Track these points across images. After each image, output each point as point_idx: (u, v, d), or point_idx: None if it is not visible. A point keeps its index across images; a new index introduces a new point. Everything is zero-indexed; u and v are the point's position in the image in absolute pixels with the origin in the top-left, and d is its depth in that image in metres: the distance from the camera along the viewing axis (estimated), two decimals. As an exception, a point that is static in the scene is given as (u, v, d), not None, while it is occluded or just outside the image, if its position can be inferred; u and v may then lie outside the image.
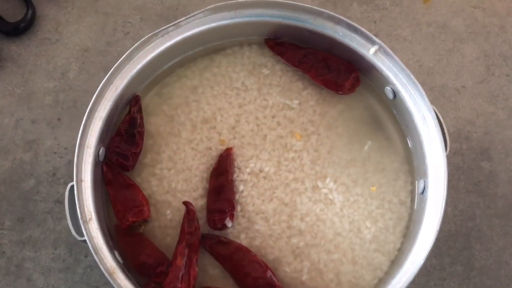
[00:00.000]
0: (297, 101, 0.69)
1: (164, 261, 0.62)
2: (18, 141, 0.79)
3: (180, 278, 0.59)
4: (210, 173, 0.66)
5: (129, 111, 0.67)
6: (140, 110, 0.67)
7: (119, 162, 0.65)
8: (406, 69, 0.63)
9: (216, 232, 0.63)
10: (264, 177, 0.66)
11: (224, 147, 0.67)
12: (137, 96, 0.68)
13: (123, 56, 0.63)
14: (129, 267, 0.62)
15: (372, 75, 0.68)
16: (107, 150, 0.65)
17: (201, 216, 0.64)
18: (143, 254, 0.62)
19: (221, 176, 0.65)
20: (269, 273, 0.61)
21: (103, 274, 0.71)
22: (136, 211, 0.63)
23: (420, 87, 0.63)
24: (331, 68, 0.69)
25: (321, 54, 0.70)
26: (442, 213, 0.59)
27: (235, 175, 0.65)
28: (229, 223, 0.63)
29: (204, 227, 0.64)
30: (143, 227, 0.64)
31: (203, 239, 0.62)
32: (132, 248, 0.63)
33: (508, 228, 0.76)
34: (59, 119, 0.80)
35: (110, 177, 0.65)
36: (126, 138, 0.66)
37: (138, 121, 0.66)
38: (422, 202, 0.63)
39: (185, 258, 0.60)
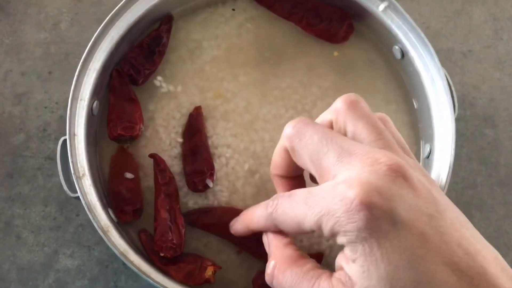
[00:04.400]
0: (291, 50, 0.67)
1: (137, 203, 0.60)
2: (7, 94, 0.75)
3: (168, 229, 0.58)
4: (181, 136, 0.63)
5: (158, 27, 0.65)
6: (169, 31, 0.65)
7: (129, 73, 0.63)
8: (417, 27, 0.61)
9: (196, 195, 0.62)
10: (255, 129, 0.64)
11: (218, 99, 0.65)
12: (171, 16, 0.65)
13: (120, 3, 0.60)
14: (106, 188, 0.61)
15: (380, 33, 0.65)
16: (122, 58, 0.63)
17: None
18: (123, 185, 0.60)
19: (194, 136, 0.62)
20: None
21: (95, 234, 0.70)
22: (128, 126, 0.61)
23: (431, 47, 0.60)
24: (322, 17, 0.66)
25: (311, 2, 0.67)
26: (448, 179, 0.58)
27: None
28: (210, 183, 0.61)
29: (183, 191, 0.62)
30: (128, 144, 0.63)
31: (184, 217, 0.60)
32: (118, 173, 0.61)
33: (509, 197, 0.75)
34: (50, 72, 0.76)
35: (116, 85, 0.62)
36: (145, 53, 0.63)
37: (163, 40, 0.64)
38: (427, 166, 0.61)
39: (168, 209, 0.59)
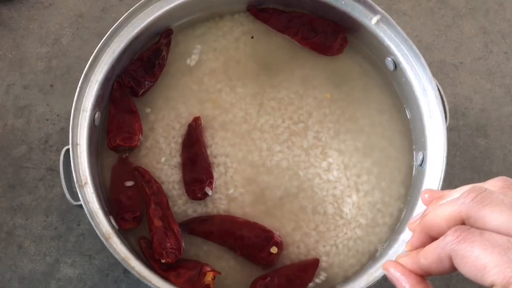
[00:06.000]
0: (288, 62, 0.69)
1: (137, 210, 0.62)
2: (9, 107, 0.77)
3: (165, 236, 0.59)
4: (181, 146, 0.65)
5: (158, 41, 0.67)
6: (168, 44, 0.67)
7: (130, 85, 0.65)
8: (408, 39, 0.63)
9: (196, 203, 0.64)
10: (252, 138, 0.66)
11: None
12: (170, 30, 0.68)
13: (122, 18, 0.62)
14: (106, 196, 0.62)
15: (373, 45, 0.67)
16: (123, 71, 0.65)
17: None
18: (123, 194, 0.62)
19: (194, 146, 0.64)
20: (262, 227, 0.62)
21: (96, 243, 0.71)
22: (127, 137, 0.63)
23: (422, 58, 0.62)
24: (317, 31, 0.69)
25: (306, 17, 0.69)
26: (440, 185, 0.59)
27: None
28: (209, 191, 0.63)
29: (182, 199, 0.64)
30: (127, 154, 0.64)
31: (182, 227, 0.62)
32: (119, 182, 0.63)
33: (502, 205, 0.76)
34: (52, 85, 0.78)
35: (117, 96, 0.65)
36: (145, 65, 0.66)
37: (162, 53, 0.66)
38: (420, 174, 0.63)
39: (161, 216, 0.60)
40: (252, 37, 0.69)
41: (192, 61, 0.68)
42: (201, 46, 0.69)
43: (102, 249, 0.71)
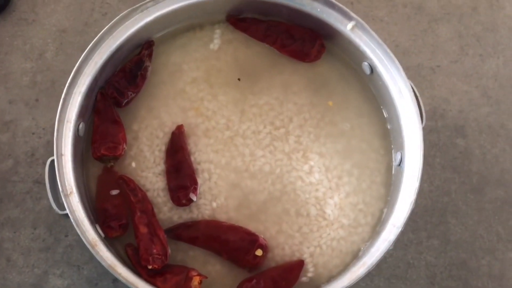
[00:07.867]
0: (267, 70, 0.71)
1: (123, 218, 0.63)
2: (-5, 122, 0.78)
3: (151, 242, 0.60)
4: (164, 154, 0.66)
5: (140, 52, 0.68)
6: (150, 55, 0.69)
7: (113, 95, 0.66)
8: (383, 43, 0.65)
9: (181, 209, 0.65)
10: (235, 144, 0.67)
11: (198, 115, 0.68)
12: (151, 41, 0.69)
13: (103, 30, 0.63)
14: (92, 206, 0.63)
15: (349, 50, 0.69)
16: (106, 82, 0.66)
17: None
18: (109, 202, 0.63)
19: (177, 153, 0.65)
20: (247, 231, 0.63)
21: (84, 253, 0.72)
22: (111, 146, 0.64)
23: (396, 61, 0.64)
24: (295, 38, 0.71)
25: (284, 25, 0.71)
26: (418, 183, 0.61)
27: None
28: (193, 197, 0.64)
29: (167, 206, 0.65)
30: (112, 164, 0.65)
31: (168, 233, 0.63)
32: (104, 191, 0.64)
33: (483, 203, 0.78)
34: (37, 99, 0.79)
35: (101, 107, 0.66)
36: (128, 77, 0.67)
37: (145, 64, 0.68)
38: (399, 173, 0.64)
39: (146, 223, 0.61)
40: (239, 79, 0.70)
41: (215, 45, 0.70)
42: (221, 30, 0.71)
43: (90, 259, 0.72)
